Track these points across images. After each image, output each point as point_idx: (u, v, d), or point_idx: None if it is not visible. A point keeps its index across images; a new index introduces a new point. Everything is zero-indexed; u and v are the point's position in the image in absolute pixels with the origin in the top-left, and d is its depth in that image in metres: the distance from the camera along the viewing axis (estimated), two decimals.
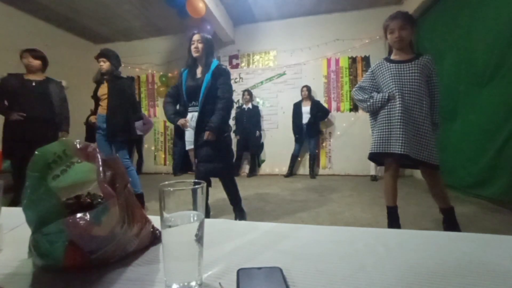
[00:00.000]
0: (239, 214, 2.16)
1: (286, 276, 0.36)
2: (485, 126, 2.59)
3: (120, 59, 2.56)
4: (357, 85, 1.90)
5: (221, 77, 1.95)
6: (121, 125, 2.41)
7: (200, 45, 1.95)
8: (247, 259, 0.43)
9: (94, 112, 2.53)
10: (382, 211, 2.04)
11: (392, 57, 1.77)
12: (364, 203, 2.70)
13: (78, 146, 0.41)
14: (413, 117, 1.63)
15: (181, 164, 2.07)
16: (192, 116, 2.02)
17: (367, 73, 1.87)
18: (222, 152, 1.98)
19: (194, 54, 1.98)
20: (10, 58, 3.98)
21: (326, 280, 0.37)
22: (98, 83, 2.51)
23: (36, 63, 2.53)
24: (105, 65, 2.42)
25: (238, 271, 0.37)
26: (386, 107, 1.69)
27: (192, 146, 2.00)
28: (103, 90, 2.44)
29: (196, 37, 1.97)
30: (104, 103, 2.42)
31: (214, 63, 1.99)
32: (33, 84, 2.51)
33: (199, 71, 2.03)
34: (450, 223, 1.71)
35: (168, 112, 2.09)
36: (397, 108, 1.63)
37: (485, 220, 2.10)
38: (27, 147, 2.30)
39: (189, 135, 2.03)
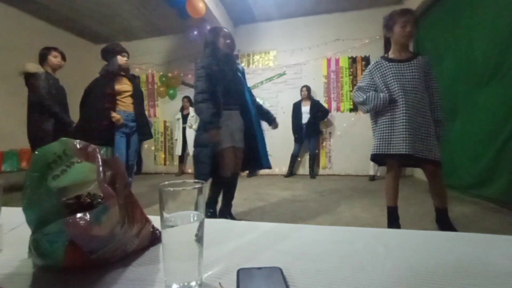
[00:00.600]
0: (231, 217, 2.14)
1: (286, 276, 0.36)
2: (485, 126, 2.60)
3: None
4: (356, 87, 1.89)
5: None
6: (148, 123, 2.54)
7: (233, 43, 1.98)
8: (247, 259, 0.43)
9: (110, 108, 2.29)
10: (382, 211, 2.04)
11: (391, 55, 1.76)
12: (364, 203, 2.69)
13: (78, 146, 0.41)
14: (416, 116, 1.64)
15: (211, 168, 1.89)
16: (230, 114, 1.92)
17: (364, 73, 1.86)
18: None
19: (227, 50, 1.94)
20: (10, 58, 3.99)
21: (326, 280, 0.37)
22: (115, 75, 2.35)
23: (63, 64, 2.53)
24: (127, 61, 2.43)
25: (238, 271, 0.37)
26: (388, 108, 1.69)
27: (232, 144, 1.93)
28: (123, 86, 2.40)
29: (227, 31, 1.96)
30: (127, 100, 2.40)
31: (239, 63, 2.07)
32: (59, 83, 2.52)
33: (230, 68, 1.95)
34: (444, 224, 1.72)
35: (207, 112, 1.75)
36: (401, 108, 1.63)
37: (485, 220, 2.10)
38: None
39: (235, 133, 1.94)
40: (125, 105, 2.39)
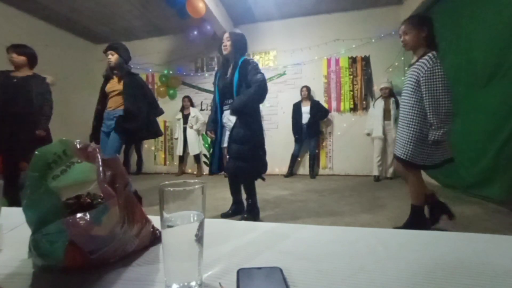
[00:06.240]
0: (248, 213, 2.13)
1: (286, 276, 0.36)
2: (485, 126, 2.59)
3: (130, 53, 2.47)
4: None
5: (248, 66, 1.97)
6: (143, 123, 2.37)
7: (228, 43, 1.98)
8: (247, 259, 0.43)
9: (103, 110, 2.40)
10: (382, 211, 2.05)
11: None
12: (364, 203, 2.69)
13: (78, 146, 0.41)
14: (401, 118, 1.80)
15: (218, 163, 2.14)
16: (225, 115, 2.08)
17: None
18: (252, 151, 1.99)
19: (224, 52, 2.02)
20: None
21: (326, 280, 0.37)
22: (107, 78, 2.40)
23: (20, 59, 2.48)
24: (113, 58, 2.32)
25: (238, 271, 0.37)
26: None
27: (226, 145, 2.07)
28: (113, 85, 2.35)
29: (225, 35, 2.02)
30: (115, 100, 2.34)
31: (241, 59, 2.00)
32: (14, 80, 2.45)
33: (229, 70, 2.05)
34: (411, 221, 1.81)
35: (208, 120, 2.24)
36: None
37: (485, 220, 2.10)
38: (7, 143, 2.33)
39: (224, 134, 2.10)
40: (110, 104, 2.36)
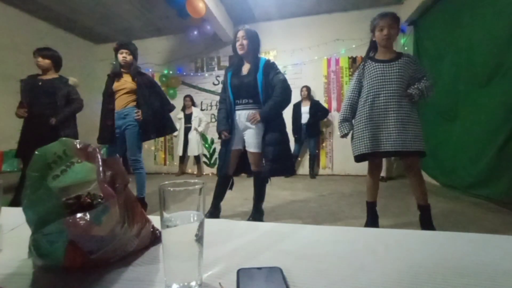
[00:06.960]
0: (256, 214, 2.10)
1: (286, 276, 0.36)
2: (485, 126, 2.59)
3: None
4: (346, 100, 1.90)
5: (272, 70, 1.95)
6: (159, 121, 2.40)
7: (245, 42, 1.90)
8: (247, 259, 0.43)
9: (112, 109, 2.36)
10: (382, 211, 2.05)
11: (377, 56, 1.82)
12: (364, 203, 2.69)
13: (78, 146, 0.41)
14: (393, 113, 1.67)
15: (227, 165, 2.03)
16: (240, 115, 1.99)
17: (353, 76, 1.91)
18: (286, 151, 1.99)
19: (240, 52, 1.93)
20: (11, 58, 3.99)
21: (326, 280, 0.37)
22: (114, 76, 2.37)
23: (45, 62, 2.53)
24: (128, 57, 2.35)
25: (238, 271, 0.37)
26: (364, 109, 1.76)
27: (239, 147, 2.02)
28: (122, 84, 2.34)
29: (240, 33, 1.92)
30: (123, 98, 2.34)
31: (262, 60, 1.96)
32: (40, 83, 2.52)
33: (245, 68, 1.99)
34: (425, 222, 1.75)
35: (217, 120, 2.08)
36: (376, 107, 1.72)
37: (485, 220, 2.10)
38: (32, 145, 2.33)
39: (237, 134, 2.01)
40: (118, 103, 2.34)
